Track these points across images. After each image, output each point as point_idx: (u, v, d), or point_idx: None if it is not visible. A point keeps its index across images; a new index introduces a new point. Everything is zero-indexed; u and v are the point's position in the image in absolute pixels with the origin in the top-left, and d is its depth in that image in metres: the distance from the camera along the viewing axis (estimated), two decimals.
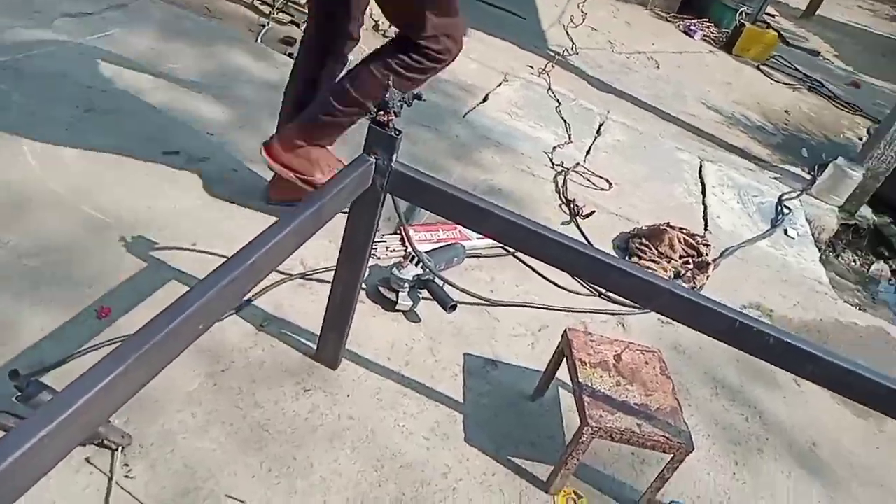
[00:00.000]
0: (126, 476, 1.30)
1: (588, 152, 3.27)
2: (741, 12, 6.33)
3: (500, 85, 3.67)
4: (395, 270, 1.89)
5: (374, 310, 1.90)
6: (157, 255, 1.80)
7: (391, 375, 1.72)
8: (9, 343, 1.45)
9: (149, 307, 1.64)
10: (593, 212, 2.67)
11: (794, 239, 3.19)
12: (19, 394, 1.24)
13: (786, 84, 5.78)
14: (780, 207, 3.43)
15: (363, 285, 1.95)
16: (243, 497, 1.33)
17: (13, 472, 0.68)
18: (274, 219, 1.12)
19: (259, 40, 3.37)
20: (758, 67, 5.94)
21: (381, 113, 1.27)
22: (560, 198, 2.77)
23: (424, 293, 1.94)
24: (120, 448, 1.33)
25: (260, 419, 1.49)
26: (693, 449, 1.48)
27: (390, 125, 1.28)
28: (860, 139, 4.94)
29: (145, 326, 0.82)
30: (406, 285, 1.89)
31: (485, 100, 3.44)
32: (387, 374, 1.72)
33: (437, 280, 1.93)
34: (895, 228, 4.23)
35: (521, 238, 1.29)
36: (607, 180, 3.01)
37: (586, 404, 1.48)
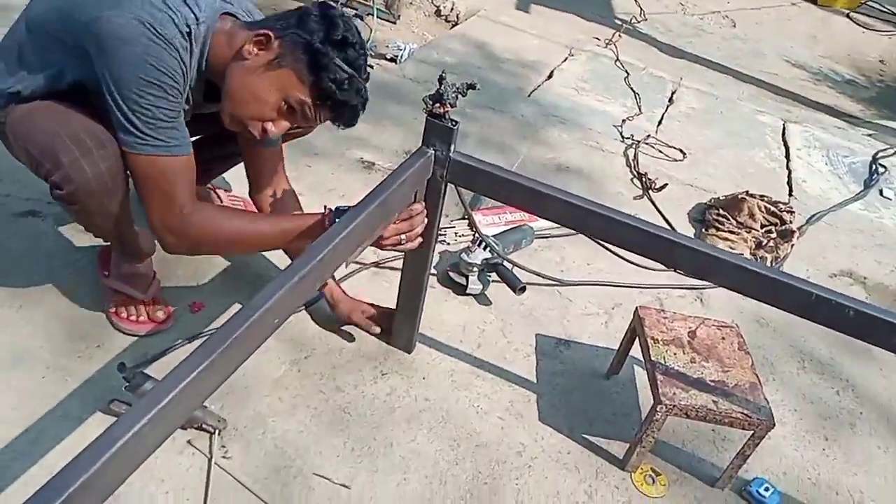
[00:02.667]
0: (224, 457, 1.41)
1: (660, 122, 3.18)
2: None
3: (565, 60, 3.62)
4: (463, 255, 1.93)
5: (445, 294, 1.95)
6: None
7: (464, 357, 1.76)
8: (117, 338, 1.59)
9: (238, 300, 1.75)
10: (665, 185, 2.61)
11: (890, 200, 2.99)
12: (127, 384, 1.37)
13: (881, 31, 5.36)
14: (874, 166, 3.22)
15: (433, 271, 2.01)
16: (329, 475, 1.42)
17: (124, 453, 0.77)
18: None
19: None
20: (847, 16, 5.53)
21: (437, 105, 1.30)
22: (631, 172, 2.72)
23: (494, 276, 1.97)
24: (217, 431, 1.44)
25: (341, 402, 1.58)
26: (774, 424, 1.44)
27: (446, 116, 1.31)
28: None
29: (226, 323, 0.89)
30: (475, 269, 1.93)
31: (550, 76, 3.40)
32: (460, 356, 1.76)
33: (505, 263, 1.95)
34: None
35: (580, 219, 1.30)
36: (681, 150, 2.93)
37: (659, 382, 1.47)
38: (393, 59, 3.33)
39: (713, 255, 1.24)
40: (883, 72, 4.65)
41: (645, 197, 2.57)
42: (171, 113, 1.24)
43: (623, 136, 2.95)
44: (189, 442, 1.42)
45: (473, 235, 2.08)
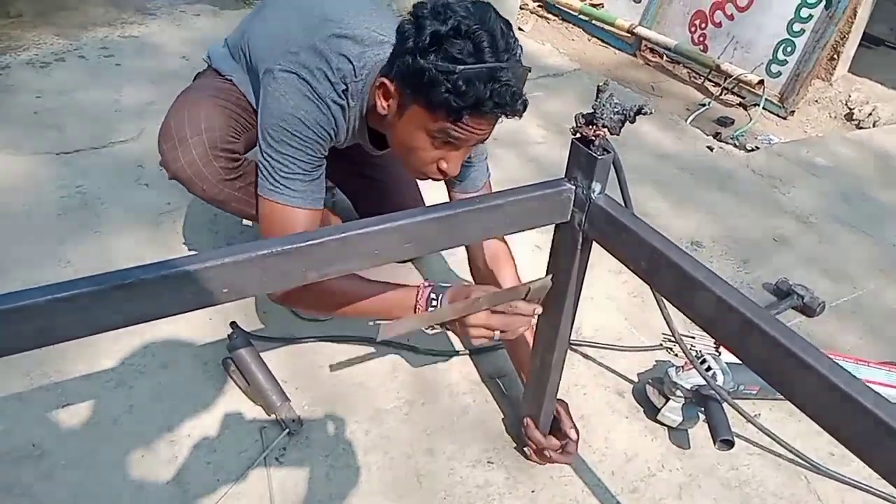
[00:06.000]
0: (276, 458, 1.30)
1: None
2: None
3: None
4: (671, 371, 1.44)
5: (631, 410, 1.49)
6: None
7: (603, 495, 1.29)
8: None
9: None
10: None
11: None
12: (229, 340, 1.40)
13: None
14: None
15: (635, 378, 1.56)
16: None
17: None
18: None
19: (689, 119, 3.14)
20: None
21: (589, 126, 0.97)
22: None
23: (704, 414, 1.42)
24: (288, 431, 1.34)
25: (422, 468, 1.31)
26: None
27: (597, 142, 0.97)
28: None
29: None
30: (680, 395, 1.42)
31: None
32: (599, 490, 1.30)
33: (725, 404, 1.39)
34: None
35: (733, 330, 0.79)
36: None
37: None
38: (753, 150, 2.81)
39: None
40: None
41: None
42: (308, 167, 1.22)
43: None
44: (262, 430, 1.35)
45: (711, 353, 1.54)
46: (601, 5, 4.14)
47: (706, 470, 1.37)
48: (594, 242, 1.03)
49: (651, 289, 1.02)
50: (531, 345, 1.25)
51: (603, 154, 0.96)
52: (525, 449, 1.33)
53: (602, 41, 4.06)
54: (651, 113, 0.96)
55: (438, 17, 1.01)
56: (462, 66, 1.01)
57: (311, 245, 0.80)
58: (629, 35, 3.88)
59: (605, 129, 0.96)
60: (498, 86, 1.03)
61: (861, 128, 3.25)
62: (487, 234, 1.02)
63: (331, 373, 1.49)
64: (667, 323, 1.10)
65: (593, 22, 4.10)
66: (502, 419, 1.43)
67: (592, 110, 0.96)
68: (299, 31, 1.26)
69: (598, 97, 0.96)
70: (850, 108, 3.37)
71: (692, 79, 3.63)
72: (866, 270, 2.02)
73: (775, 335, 0.74)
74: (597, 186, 0.98)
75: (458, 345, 1.59)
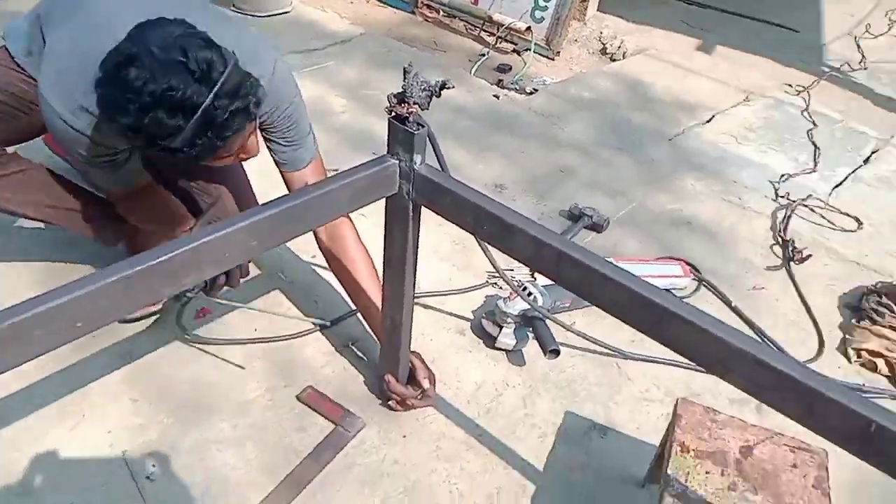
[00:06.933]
0: (147, 477, 1.29)
1: (839, 184, 2.54)
2: None
3: (736, 105, 3.10)
4: (500, 303, 1.64)
5: (473, 344, 1.67)
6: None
7: (464, 422, 1.47)
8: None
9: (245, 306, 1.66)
10: (810, 255, 2.03)
11: None
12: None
13: None
14: None
15: (470, 315, 1.75)
16: None
17: None
18: None
19: (473, 70, 3.37)
20: None
21: (401, 105, 1.07)
22: (775, 236, 2.18)
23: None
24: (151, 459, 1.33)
25: (298, 444, 1.38)
26: None
27: (411, 118, 1.08)
28: None
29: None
30: (510, 321, 1.62)
31: (708, 121, 2.92)
32: (460, 419, 1.47)
33: (548, 320, 1.62)
34: None
35: (550, 263, 0.97)
36: (856, 219, 2.29)
37: None
38: (532, 93, 3.12)
39: (720, 337, 0.83)
40: None
41: (783, 268, 2.03)
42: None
43: (777, 195, 2.39)
44: (124, 453, 1.32)
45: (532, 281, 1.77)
46: None
47: (541, 378, 1.59)
48: (423, 207, 1.15)
49: (475, 237, 1.17)
50: (381, 308, 1.36)
51: (418, 129, 1.07)
52: (390, 403, 1.45)
53: (380, 2, 4.14)
54: (453, 87, 1.09)
55: (138, 95, 1.01)
56: (182, 129, 1.04)
57: (162, 262, 0.82)
58: None
59: (417, 106, 1.07)
60: (221, 118, 1.06)
61: (614, 60, 3.72)
62: (326, 219, 1.10)
63: (184, 379, 1.48)
64: (491, 263, 1.26)
65: None
66: (363, 381, 1.53)
67: (402, 90, 1.07)
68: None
69: (405, 78, 1.06)
70: (603, 44, 3.83)
71: (469, 31, 3.87)
72: (635, 185, 2.40)
73: (579, 258, 0.92)
74: (417, 158, 1.10)
75: (305, 325, 1.65)
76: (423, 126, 1.09)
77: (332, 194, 1.02)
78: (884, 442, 0.74)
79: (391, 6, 4.11)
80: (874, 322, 1.77)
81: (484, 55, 3.56)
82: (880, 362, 1.68)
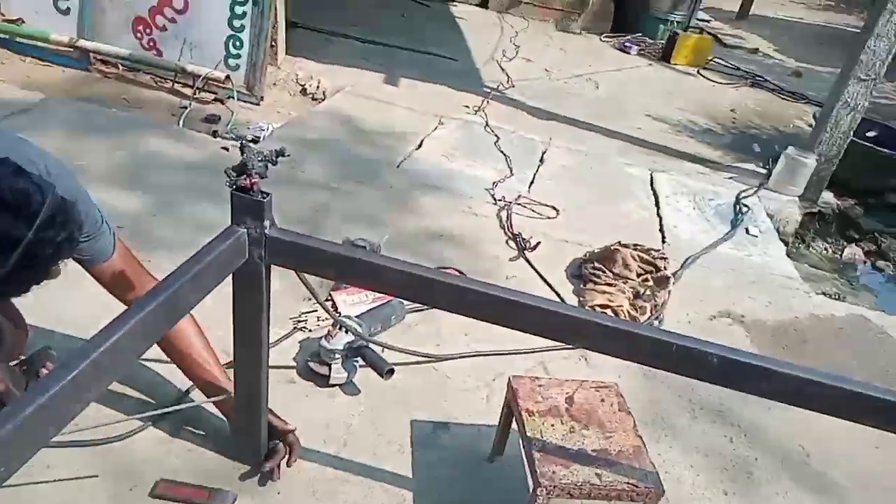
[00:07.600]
0: None
1: (532, 182, 3.17)
2: (672, 22, 6.40)
3: (435, 129, 3.59)
4: (323, 342, 1.74)
5: (307, 389, 1.74)
6: None
7: (328, 461, 1.54)
8: None
9: None
10: (539, 243, 2.55)
11: (756, 237, 3.08)
12: None
13: (728, 84, 5.80)
14: (738, 207, 3.33)
15: (294, 363, 1.80)
16: None
17: None
18: None
19: (180, 123, 3.27)
20: (698, 72, 5.96)
21: (243, 177, 1.13)
22: (505, 233, 2.65)
23: (361, 361, 1.78)
24: None
25: None
26: (663, 492, 1.31)
27: (255, 189, 1.14)
28: (809, 126, 4.91)
29: None
30: (337, 356, 1.73)
31: (419, 146, 3.35)
32: (323, 460, 1.54)
33: (371, 345, 1.77)
34: (860, 210, 4.16)
35: (423, 290, 1.15)
36: (554, 208, 2.90)
37: (537, 461, 1.31)
38: (254, 140, 3.17)
39: (568, 315, 1.12)
40: (735, 119, 4.97)
41: (521, 258, 2.49)
42: None
43: (495, 199, 2.90)
44: None
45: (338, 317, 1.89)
46: (20, 21, 3.75)
47: (380, 398, 1.74)
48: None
49: (302, 281, 1.29)
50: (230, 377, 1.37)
51: (264, 196, 1.15)
52: (265, 466, 1.44)
53: (41, 59, 3.72)
54: (289, 155, 1.19)
55: None
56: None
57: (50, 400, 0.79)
58: (72, 49, 3.67)
59: (258, 176, 1.15)
60: (47, 251, 1.04)
61: (315, 100, 3.95)
62: (183, 312, 1.09)
63: None
64: (317, 302, 1.36)
65: (19, 40, 3.71)
66: (215, 454, 1.49)
67: (243, 163, 1.13)
68: None
69: (243, 153, 1.13)
70: (301, 85, 4.03)
71: (160, 84, 3.72)
72: (385, 212, 2.66)
73: (442, 280, 1.13)
74: (267, 223, 1.17)
75: (131, 424, 1.52)
76: (267, 194, 1.16)
77: (186, 286, 1.02)
78: (682, 355, 1.09)
79: (58, 64, 3.72)
80: (595, 284, 2.32)
81: (186, 107, 3.48)
82: (608, 312, 2.22)
